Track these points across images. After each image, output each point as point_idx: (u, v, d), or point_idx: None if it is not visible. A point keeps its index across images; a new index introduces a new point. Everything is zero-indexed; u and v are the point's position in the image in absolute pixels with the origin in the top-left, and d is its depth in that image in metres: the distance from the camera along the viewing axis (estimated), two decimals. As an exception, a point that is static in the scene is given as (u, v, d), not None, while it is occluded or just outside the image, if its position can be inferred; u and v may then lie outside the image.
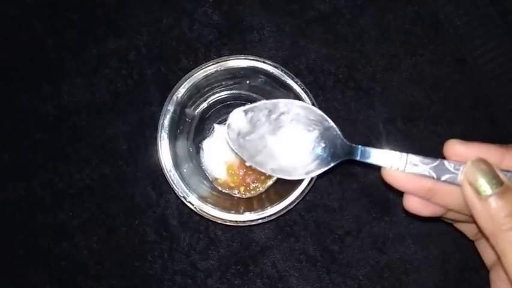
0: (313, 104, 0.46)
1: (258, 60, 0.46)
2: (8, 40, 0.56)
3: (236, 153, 0.40)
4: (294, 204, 0.45)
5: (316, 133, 0.39)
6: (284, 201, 0.45)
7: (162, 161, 0.46)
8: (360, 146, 0.38)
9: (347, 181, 0.55)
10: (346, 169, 0.55)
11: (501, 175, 0.32)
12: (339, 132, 0.39)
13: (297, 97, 0.46)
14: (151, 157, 0.54)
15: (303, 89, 0.46)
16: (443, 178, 0.35)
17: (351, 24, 0.57)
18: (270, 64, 0.46)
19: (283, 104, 0.40)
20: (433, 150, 0.55)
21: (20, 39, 0.56)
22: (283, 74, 0.46)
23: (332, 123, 0.39)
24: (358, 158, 0.38)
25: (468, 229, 0.42)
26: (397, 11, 0.57)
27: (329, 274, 0.54)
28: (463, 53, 0.57)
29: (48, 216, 0.54)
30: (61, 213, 0.54)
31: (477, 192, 0.32)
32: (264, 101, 0.40)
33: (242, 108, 0.40)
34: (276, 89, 0.48)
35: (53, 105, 0.55)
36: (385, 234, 0.54)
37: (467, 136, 0.55)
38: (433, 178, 0.35)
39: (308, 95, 0.46)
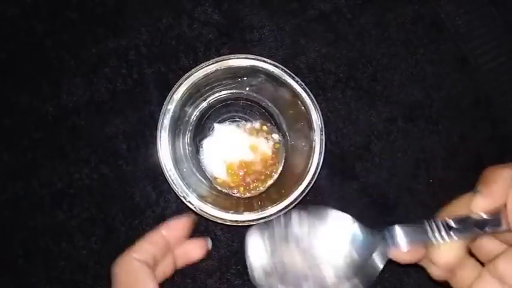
0: (313, 103, 0.46)
1: (258, 60, 0.46)
2: (7, 40, 0.56)
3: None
4: (294, 204, 0.45)
5: (345, 245, 0.37)
6: (285, 201, 0.45)
7: (162, 161, 0.45)
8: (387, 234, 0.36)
9: (347, 181, 0.55)
10: (347, 169, 0.55)
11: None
12: (366, 234, 0.37)
13: (297, 96, 0.46)
14: (151, 157, 0.54)
15: (303, 88, 0.46)
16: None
17: (352, 23, 0.57)
18: (270, 63, 0.46)
19: (295, 218, 0.38)
20: (434, 150, 0.56)
21: (19, 38, 0.56)
22: (283, 73, 0.46)
23: (359, 226, 0.37)
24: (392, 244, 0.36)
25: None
26: (397, 10, 0.57)
27: (329, 274, 0.53)
28: (463, 52, 0.57)
29: (48, 216, 0.54)
30: (60, 213, 0.54)
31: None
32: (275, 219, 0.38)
33: (258, 230, 0.38)
34: (276, 88, 0.48)
35: (53, 105, 0.55)
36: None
37: (468, 135, 0.55)
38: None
39: (308, 95, 0.46)
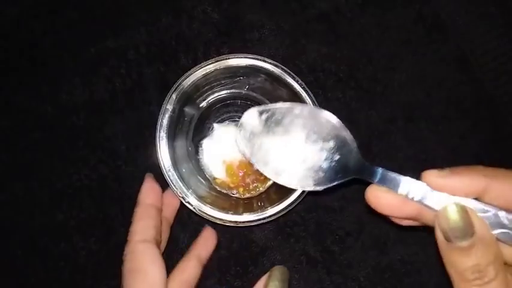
0: (313, 103, 0.46)
1: (258, 59, 0.46)
2: (6, 39, 0.56)
3: (244, 154, 0.40)
4: (294, 205, 0.45)
5: (331, 144, 0.38)
6: (284, 202, 0.45)
7: (161, 161, 0.45)
8: (379, 169, 0.34)
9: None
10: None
11: (476, 224, 0.30)
12: (355, 147, 0.37)
13: (297, 96, 0.46)
14: (150, 157, 0.53)
15: (303, 88, 0.46)
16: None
17: (352, 23, 0.57)
18: (270, 63, 0.46)
19: (298, 109, 0.39)
20: (434, 150, 0.55)
21: (18, 38, 0.56)
22: (283, 73, 0.46)
23: (350, 136, 0.37)
24: (375, 181, 0.34)
25: None
26: (398, 10, 0.57)
27: (329, 275, 0.53)
28: (464, 52, 0.57)
29: (46, 216, 0.54)
30: (59, 213, 0.54)
31: (446, 238, 0.30)
32: (280, 104, 0.39)
33: (257, 108, 0.39)
34: (276, 88, 0.48)
35: (52, 105, 0.55)
36: (386, 235, 0.54)
37: (469, 136, 0.55)
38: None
39: (309, 94, 0.46)
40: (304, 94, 0.46)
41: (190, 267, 0.47)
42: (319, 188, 0.37)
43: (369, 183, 0.35)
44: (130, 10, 0.56)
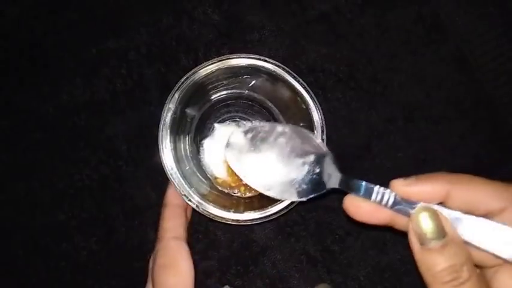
0: (314, 103, 0.46)
1: (259, 59, 0.46)
2: (6, 39, 0.56)
3: (234, 170, 0.43)
4: (295, 204, 0.45)
5: (311, 158, 0.41)
6: (285, 201, 0.45)
7: (164, 160, 0.45)
8: (355, 180, 0.37)
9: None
10: (347, 169, 0.55)
11: (446, 226, 0.31)
12: (332, 161, 0.40)
13: (299, 96, 0.46)
14: (151, 157, 0.54)
15: (304, 88, 0.46)
16: None
17: (352, 23, 0.57)
18: (271, 63, 0.46)
19: (280, 127, 0.42)
20: (434, 150, 0.56)
21: (19, 38, 0.56)
22: (284, 73, 0.46)
23: (328, 152, 0.40)
24: (351, 191, 0.37)
25: None
26: (397, 11, 0.57)
27: (330, 274, 0.53)
28: (464, 52, 0.57)
29: (48, 216, 0.54)
30: (60, 213, 0.54)
31: (420, 240, 0.31)
32: (262, 123, 0.44)
33: (242, 129, 0.43)
34: (277, 88, 0.48)
35: (53, 105, 0.55)
36: (386, 234, 0.54)
37: (468, 136, 0.55)
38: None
39: (309, 94, 0.46)
40: (305, 94, 0.46)
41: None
42: (304, 199, 0.41)
43: (346, 193, 0.37)
44: (131, 11, 0.56)
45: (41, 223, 0.54)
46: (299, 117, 0.49)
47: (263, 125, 0.42)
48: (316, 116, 0.46)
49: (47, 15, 0.56)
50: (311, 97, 0.46)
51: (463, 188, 0.32)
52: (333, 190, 0.39)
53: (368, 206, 0.36)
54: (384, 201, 0.34)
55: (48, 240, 0.53)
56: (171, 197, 0.47)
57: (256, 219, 0.45)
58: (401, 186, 0.34)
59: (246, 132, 0.43)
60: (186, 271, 0.42)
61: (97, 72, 0.55)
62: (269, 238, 0.54)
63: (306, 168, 0.41)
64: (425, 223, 0.31)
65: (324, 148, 0.41)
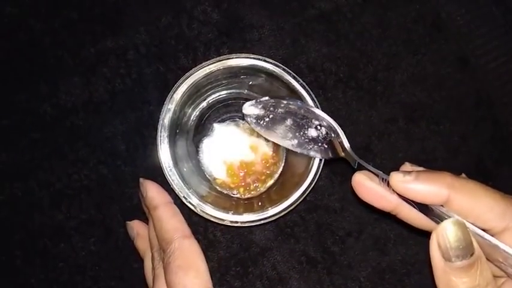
0: (314, 103, 0.46)
1: (258, 59, 0.46)
2: (5, 39, 0.56)
3: (260, 135, 0.48)
4: (295, 205, 0.45)
5: (325, 122, 0.43)
6: (285, 202, 0.45)
7: (162, 161, 0.45)
8: (356, 158, 0.39)
9: (348, 182, 0.54)
10: (347, 169, 0.55)
11: (474, 244, 0.29)
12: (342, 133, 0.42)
13: (298, 96, 0.46)
14: (150, 157, 0.54)
15: (304, 88, 0.46)
16: (431, 216, 0.33)
17: (352, 22, 0.56)
18: (271, 63, 0.46)
19: (285, 100, 0.45)
20: (435, 150, 0.55)
21: (17, 38, 0.56)
22: (284, 73, 0.46)
23: (337, 128, 0.43)
24: (357, 167, 0.39)
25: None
26: (398, 10, 0.57)
27: (330, 276, 0.53)
28: (465, 52, 0.57)
29: (46, 216, 0.53)
30: (59, 213, 0.53)
31: (445, 256, 0.29)
32: (267, 98, 0.45)
33: (250, 103, 0.46)
34: (277, 88, 0.48)
35: (51, 105, 0.55)
36: (387, 235, 0.54)
37: (470, 136, 0.55)
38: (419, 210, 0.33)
39: (309, 94, 0.46)
40: (305, 94, 0.46)
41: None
42: (319, 156, 0.45)
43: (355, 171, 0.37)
44: (130, 10, 0.56)
45: (39, 223, 0.53)
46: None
47: (268, 99, 0.46)
48: (317, 116, 0.46)
49: (45, 14, 0.56)
50: (311, 97, 0.46)
51: (466, 197, 0.31)
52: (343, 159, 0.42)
53: (375, 187, 0.35)
54: (390, 188, 0.33)
55: (46, 240, 0.53)
56: (159, 196, 0.46)
57: (255, 220, 0.45)
58: (400, 183, 0.32)
59: (256, 103, 0.46)
60: (205, 271, 0.42)
61: (96, 72, 0.55)
62: (269, 239, 0.53)
63: (324, 130, 0.44)
64: (454, 238, 0.29)
65: (333, 122, 0.43)
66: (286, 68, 0.46)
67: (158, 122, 0.46)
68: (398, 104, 0.56)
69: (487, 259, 0.30)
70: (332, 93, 0.55)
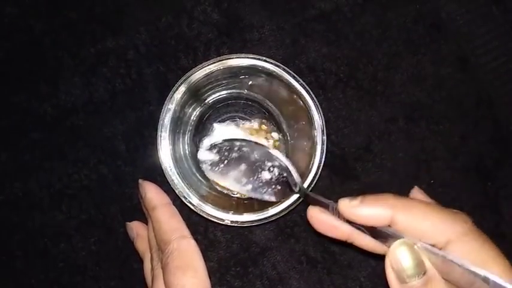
0: (314, 103, 0.46)
1: (259, 59, 0.46)
2: (5, 39, 0.56)
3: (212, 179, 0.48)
4: (295, 205, 0.45)
5: (277, 163, 0.44)
6: (285, 202, 0.45)
7: (162, 161, 0.45)
8: (311, 193, 0.40)
9: (348, 182, 0.55)
10: (347, 170, 0.55)
11: (426, 262, 0.30)
12: (295, 174, 0.43)
13: (298, 96, 0.46)
14: (150, 157, 0.54)
15: (304, 88, 0.46)
16: (382, 240, 0.33)
17: (352, 22, 0.56)
18: (271, 63, 0.46)
19: (238, 142, 0.46)
20: (436, 151, 0.55)
21: (17, 38, 0.56)
22: (284, 73, 0.46)
23: (291, 165, 0.43)
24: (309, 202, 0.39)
25: None
26: (398, 10, 0.57)
27: (330, 276, 0.53)
28: (465, 52, 0.57)
29: (46, 216, 0.53)
30: (59, 213, 0.53)
31: (399, 278, 0.30)
32: (222, 139, 0.47)
33: (205, 147, 0.48)
34: (277, 88, 0.48)
35: (51, 105, 0.54)
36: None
37: (470, 136, 0.55)
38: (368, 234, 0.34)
39: (309, 94, 0.46)
40: (305, 94, 0.46)
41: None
42: (273, 199, 0.45)
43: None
44: (130, 10, 0.56)
45: (40, 223, 0.53)
46: (299, 117, 0.49)
47: (222, 142, 0.47)
48: (317, 116, 0.46)
49: (45, 14, 0.56)
50: (311, 97, 0.46)
51: (408, 215, 0.32)
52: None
53: (327, 219, 0.36)
54: (342, 217, 0.34)
55: (47, 240, 0.53)
56: (158, 197, 0.47)
57: (255, 220, 0.45)
58: (347, 208, 0.33)
59: (210, 149, 0.47)
60: (203, 271, 0.42)
61: (96, 72, 0.55)
62: (269, 239, 0.53)
63: (276, 171, 0.44)
64: (404, 259, 0.30)
65: (287, 162, 0.43)
66: (286, 68, 0.46)
67: (158, 122, 0.46)
68: (399, 103, 0.56)
69: (445, 279, 0.30)
70: (332, 93, 0.55)
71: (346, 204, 0.33)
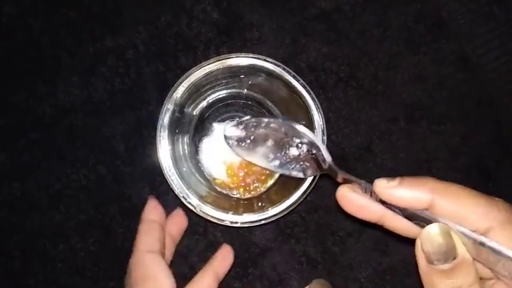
0: (314, 103, 0.45)
1: (258, 58, 0.46)
2: (4, 38, 0.56)
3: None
4: (295, 206, 0.45)
5: (306, 139, 0.43)
6: (285, 202, 0.44)
7: (162, 161, 0.45)
8: (343, 172, 0.39)
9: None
10: (348, 170, 0.54)
11: (458, 246, 0.29)
12: (324, 149, 0.41)
13: (298, 96, 0.46)
14: (149, 157, 0.53)
15: (304, 88, 0.45)
16: (416, 222, 0.33)
17: (353, 21, 0.56)
18: (271, 62, 0.46)
19: (267, 118, 0.45)
20: (437, 151, 0.55)
21: (16, 37, 0.56)
22: (284, 72, 0.46)
23: (319, 140, 0.43)
24: (341, 179, 0.38)
25: None
26: (399, 9, 0.57)
27: (330, 276, 0.53)
28: (466, 51, 0.57)
29: (45, 217, 0.53)
30: (57, 214, 0.53)
31: (427, 259, 0.30)
32: (249, 117, 0.46)
33: (232, 123, 0.46)
34: (277, 87, 0.48)
35: (50, 105, 0.54)
36: (387, 236, 0.53)
37: (471, 136, 0.54)
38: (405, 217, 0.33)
39: (310, 93, 0.45)
40: (305, 94, 0.45)
41: (206, 281, 0.47)
42: (301, 175, 0.44)
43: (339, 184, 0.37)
44: (129, 9, 0.56)
45: (38, 224, 0.53)
46: (299, 117, 0.48)
47: (249, 118, 0.46)
48: (317, 116, 0.46)
49: (44, 14, 0.56)
50: (311, 97, 0.46)
51: (449, 200, 0.31)
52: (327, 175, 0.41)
53: (358, 199, 0.35)
54: (374, 197, 0.34)
55: (45, 241, 0.53)
56: (146, 212, 0.48)
57: (255, 221, 0.44)
58: (384, 189, 0.32)
59: (237, 124, 0.45)
60: (165, 282, 0.44)
61: (95, 71, 0.55)
62: (269, 240, 0.53)
63: (305, 147, 0.43)
64: (436, 243, 0.30)
65: (315, 137, 0.42)
66: (286, 68, 0.46)
67: (157, 121, 0.45)
68: (399, 103, 0.56)
69: (477, 260, 0.30)
70: (332, 93, 0.55)
71: (383, 185, 0.32)
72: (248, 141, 0.46)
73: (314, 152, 0.42)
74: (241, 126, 0.46)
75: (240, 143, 0.46)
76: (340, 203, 0.35)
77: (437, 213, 0.31)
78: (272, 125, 0.45)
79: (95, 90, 0.54)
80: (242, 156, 0.47)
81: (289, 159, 0.44)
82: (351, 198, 0.35)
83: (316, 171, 0.43)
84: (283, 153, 0.45)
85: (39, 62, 0.55)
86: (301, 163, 0.44)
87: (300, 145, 0.43)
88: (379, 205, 0.34)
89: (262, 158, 0.46)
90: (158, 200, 0.53)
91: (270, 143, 0.45)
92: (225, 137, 0.46)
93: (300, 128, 0.43)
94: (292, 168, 0.44)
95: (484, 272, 0.31)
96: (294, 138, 0.43)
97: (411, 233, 0.34)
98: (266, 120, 0.45)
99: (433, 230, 0.30)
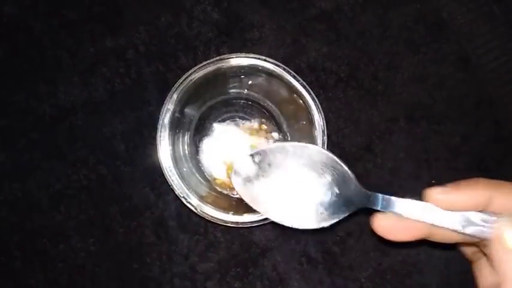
0: (315, 103, 0.45)
1: (259, 59, 0.46)
2: (4, 39, 0.56)
3: (244, 199, 0.40)
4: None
5: (328, 178, 0.37)
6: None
7: (162, 161, 0.45)
8: (380, 195, 0.35)
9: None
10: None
11: None
12: (352, 177, 0.36)
13: (299, 96, 0.46)
14: (150, 157, 0.53)
15: (305, 88, 0.45)
16: (468, 231, 0.33)
17: (353, 22, 0.56)
18: (271, 62, 0.46)
19: (291, 147, 0.38)
20: (437, 151, 0.55)
21: (16, 37, 0.56)
22: (284, 73, 0.46)
23: (346, 168, 0.37)
24: (378, 208, 0.35)
25: (466, 250, 0.41)
26: (399, 9, 0.57)
27: (330, 276, 0.53)
28: (466, 51, 0.57)
29: (45, 217, 0.53)
30: (58, 214, 0.53)
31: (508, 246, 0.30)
32: (271, 145, 0.41)
33: (249, 152, 0.40)
34: (277, 87, 0.48)
35: (50, 105, 0.54)
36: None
37: (471, 136, 0.54)
38: (457, 231, 0.33)
39: (310, 94, 0.45)
40: (305, 94, 0.46)
41: None
42: (325, 225, 0.38)
43: (373, 210, 0.35)
44: (129, 9, 0.56)
45: (38, 224, 0.53)
46: (299, 117, 0.48)
47: (271, 147, 0.39)
48: (317, 116, 0.46)
49: (44, 14, 0.56)
50: (311, 97, 0.46)
51: (504, 196, 0.31)
52: (359, 210, 0.36)
53: (399, 223, 0.34)
54: (417, 215, 0.33)
55: (46, 241, 0.53)
56: None
57: (256, 221, 0.44)
58: (440, 195, 0.32)
59: (253, 156, 0.40)
60: None
61: (95, 71, 0.55)
62: (269, 239, 0.53)
63: (323, 189, 0.37)
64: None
65: (341, 164, 0.37)
66: (286, 68, 0.46)
67: (158, 121, 0.45)
68: (399, 103, 0.56)
69: None
70: (333, 93, 0.55)
71: (438, 191, 0.32)
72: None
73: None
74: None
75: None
76: (379, 233, 0.34)
77: (495, 210, 0.31)
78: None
79: (95, 90, 0.54)
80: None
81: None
82: (391, 224, 0.34)
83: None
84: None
85: (40, 62, 0.55)
86: None
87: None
88: (419, 220, 0.33)
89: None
90: (158, 200, 0.53)
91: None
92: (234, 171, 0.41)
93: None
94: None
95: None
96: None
97: (461, 238, 0.34)
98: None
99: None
